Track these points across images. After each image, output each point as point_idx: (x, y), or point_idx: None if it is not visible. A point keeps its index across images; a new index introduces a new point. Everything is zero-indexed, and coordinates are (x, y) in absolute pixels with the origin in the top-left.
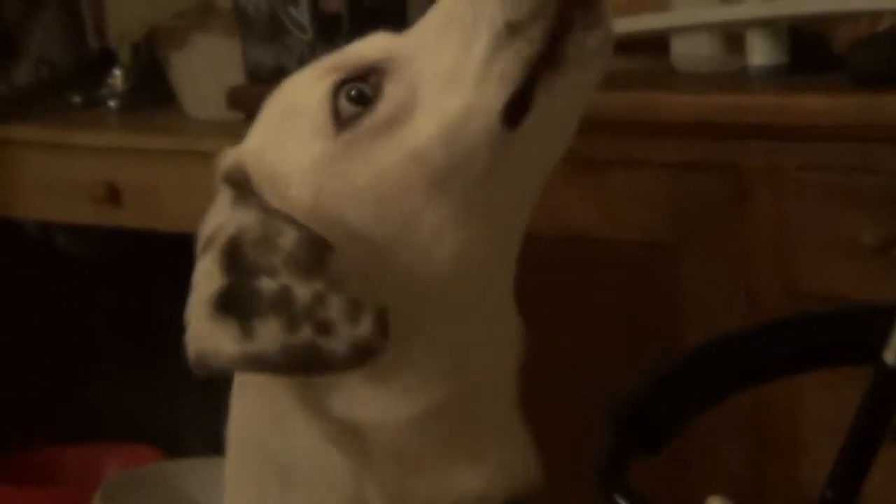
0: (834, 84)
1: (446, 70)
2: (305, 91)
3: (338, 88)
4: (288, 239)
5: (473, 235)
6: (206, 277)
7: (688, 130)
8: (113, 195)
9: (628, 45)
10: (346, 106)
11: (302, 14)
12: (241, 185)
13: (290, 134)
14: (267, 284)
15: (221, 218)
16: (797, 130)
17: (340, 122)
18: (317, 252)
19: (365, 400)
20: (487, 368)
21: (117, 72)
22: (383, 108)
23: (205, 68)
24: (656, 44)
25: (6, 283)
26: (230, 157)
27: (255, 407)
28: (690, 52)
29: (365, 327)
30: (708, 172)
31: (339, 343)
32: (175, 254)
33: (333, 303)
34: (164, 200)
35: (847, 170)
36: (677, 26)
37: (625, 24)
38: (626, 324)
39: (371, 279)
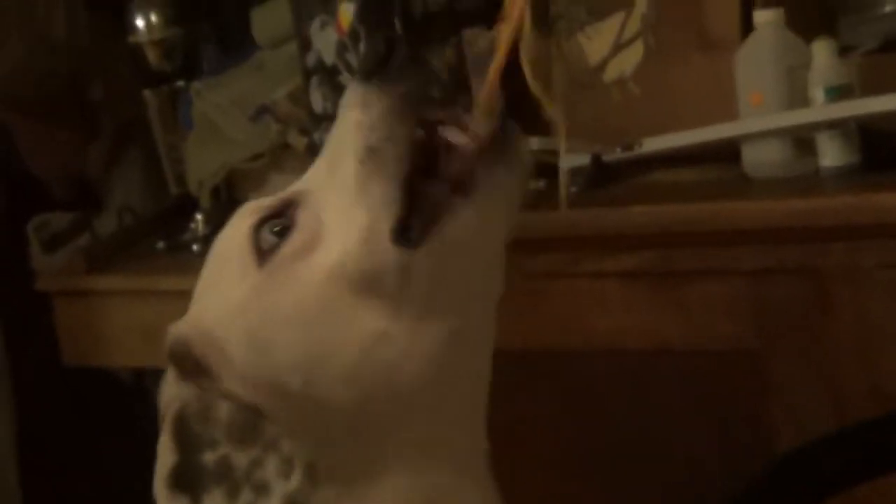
0: None
1: (338, 196)
2: (231, 237)
3: (258, 226)
4: (223, 411)
5: (413, 336)
6: (163, 453)
7: (765, 236)
8: None
9: (697, 157)
10: (266, 238)
11: None
12: (183, 360)
13: (221, 282)
14: (209, 457)
15: (171, 392)
16: (875, 229)
17: (262, 255)
18: (250, 419)
19: None
20: (453, 485)
21: (199, 216)
22: (297, 235)
23: None
24: (726, 152)
25: (102, 430)
26: (173, 332)
27: None
28: (762, 158)
29: (294, 482)
30: (788, 277)
31: (273, 500)
32: None
33: (269, 464)
34: None
35: None
36: (748, 134)
37: (695, 135)
38: (715, 433)
39: (314, 417)
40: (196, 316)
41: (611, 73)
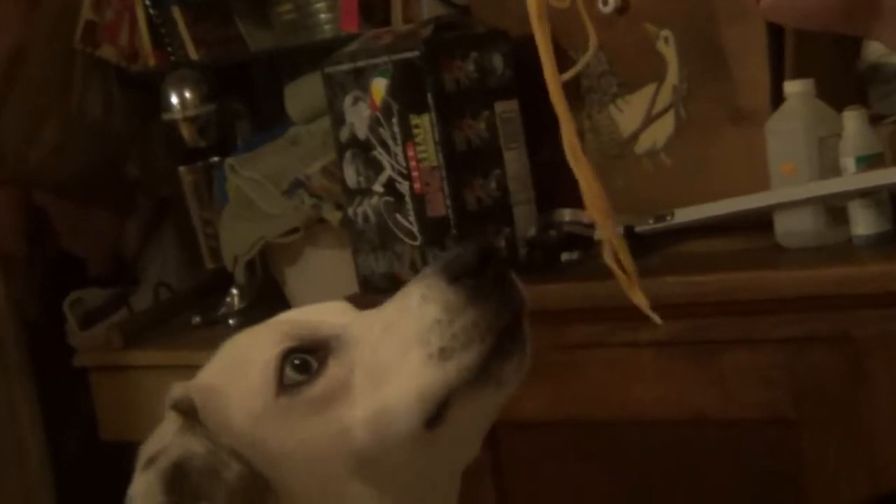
0: None
1: (380, 367)
2: (259, 348)
3: (287, 355)
4: (232, 473)
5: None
6: (147, 495)
7: (799, 305)
8: None
9: (730, 227)
10: (290, 374)
11: (410, 221)
12: (189, 415)
13: (237, 383)
14: None
15: (166, 441)
16: None
17: (282, 386)
18: (257, 489)
19: None
20: None
21: (234, 290)
22: (322, 384)
23: (318, 281)
24: (758, 222)
25: None
26: (180, 388)
27: None
28: (794, 227)
29: None
30: (822, 345)
31: None
32: None
33: None
34: None
35: None
36: (780, 203)
37: (727, 206)
38: (749, 502)
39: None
40: (205, 386)
41: (642, 145)
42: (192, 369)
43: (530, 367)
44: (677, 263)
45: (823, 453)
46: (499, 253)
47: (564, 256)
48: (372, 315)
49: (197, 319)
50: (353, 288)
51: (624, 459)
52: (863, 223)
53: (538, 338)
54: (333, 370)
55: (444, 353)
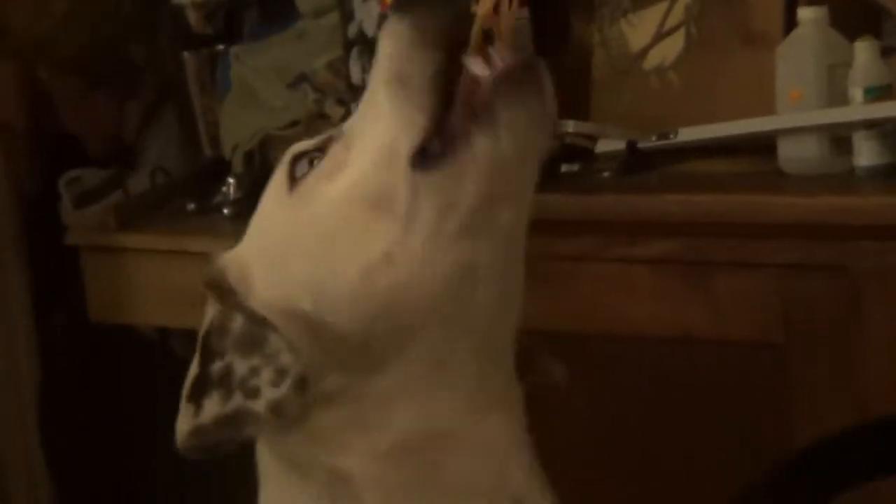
0: None
1: (364, 124)
2: (276, 175)
3: (298, 158)
4: (237, 323)
5: (418, 263)
6: (191, 369)
7: (797, 232)
8: None
9: (733, 149)
10: (301, 168)
11: None
12: (219, 287)
13: (261, 214)
14: (216, 366)
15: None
16: None
17: (294, 182)
18: (259, 330)
19: (348, 443)
20: (463, 420)
21: (231, 180)
22: (326, 161)
23: None
24: (762, 147)
25: (126, 388)
26: (216, 262)
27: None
28: (798, 154)
29: (282, 391)
30: (818, 274)
31: (260, 405)
32: None
33: (264, 373)
34: None
35: None
36: (785, 129)
37: (732, 128)
38: (736, 424)
39: (321, 338)
40: (237, 253)
41: (651, 62)
42: (184, 255)
43: None
44: (677, 182)
45: (811, 380)
46: None
47: (564, 168)
48: (361, 101)
49: (192, 206)
50: None
51: (612, 374)
52: (866, 154)
53: (532, 248)
54: (334, 150)
55: (398, 79)
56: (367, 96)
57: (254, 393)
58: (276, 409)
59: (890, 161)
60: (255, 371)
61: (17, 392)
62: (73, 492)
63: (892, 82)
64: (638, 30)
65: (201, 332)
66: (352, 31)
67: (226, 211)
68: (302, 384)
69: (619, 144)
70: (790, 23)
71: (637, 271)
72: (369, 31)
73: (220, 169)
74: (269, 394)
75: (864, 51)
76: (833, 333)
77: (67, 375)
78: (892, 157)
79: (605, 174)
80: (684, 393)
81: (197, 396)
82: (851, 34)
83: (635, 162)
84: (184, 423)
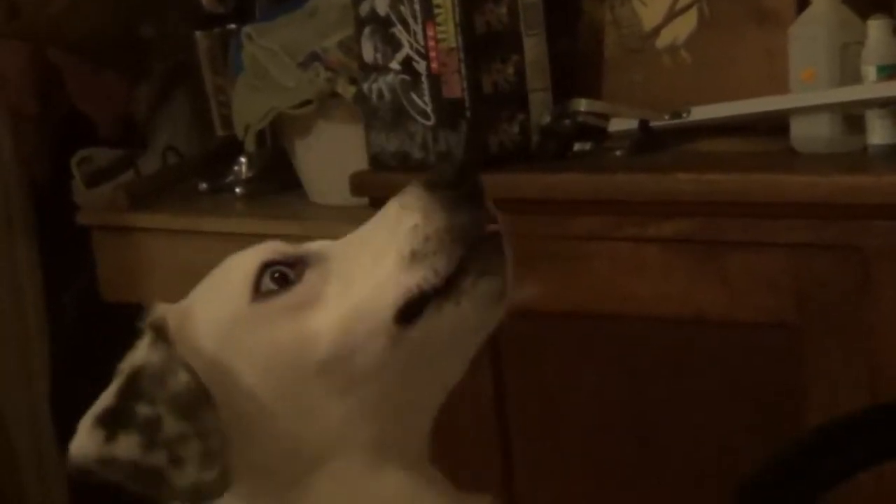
0: None
1: (354, 272)
2: (241, 265)
3: (266, 266)
4: (179, 380)
5: (354, 417)
6: (103, 397)
7: (809, 211)
8: None
9: (745, 128)
10: (267, 282)
11: (425, 101)
12: (160, 332)
13: (214, 294)
14: (143, 409)
15: (138, 355)
16: None
17: (258, 294)
18: (198, 399)
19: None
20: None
21: (243, 159)
22: (297, 290)
23: (329, 155)
24: (774, 126)
25: None
26: (158, 310)
27: None
28: (810, 133)
29: (210, 476)
30: (830, 253)
31: (183, 479)
32: None
33: (192, 446)
34: None
35: None
36: (797, 108)
37: (744, 107)
38: (748, 404)
39: (250, 431)
40: (182, 308)
41: (663, 40)
42: (195, 234)
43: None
44: (689, 161)
45: (824, 360)
46: (477, 170)
47: (577, 146)
48: (353, 234)
49: (203, 186)
50: (363, 164)
51: (624, 354)
52: (879, 133)
53: (544, 227)
54: (309, 278)
55: (416, 256)
56: (363, 241)
57: (179, 462)
58: (197, 491)
59: None
60: (184, 439)
61: (29, 371)
62: None
63: None
64: (650, 8)
65: (130, 365)
66: (364, 9)
67: (237, 190)
68: (226, 479)
69: (631, 123)
70: (803, 1)
71: (649, 251)
72: (381, 9)
73: (232, 149)
74: (194, 473)
75: (877, 29)
76: (845, 313)
77: (78, 355)
78: None
79: (617, 153)
80: (696, 373)
81: (111, 425)
82: (864, 12)
83: (647, 141)
84: (90, 445)
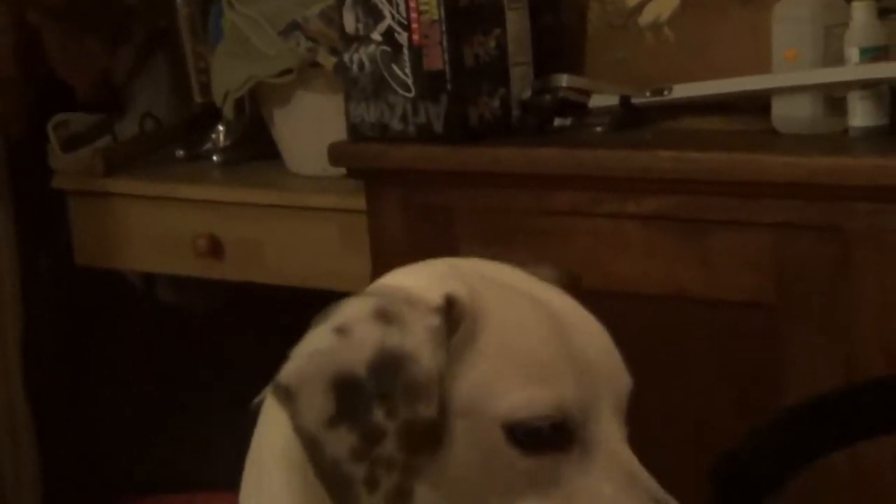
0: None
1: None
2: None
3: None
4: (428, 409)
5: None
6: (354, 345)
7: (790, 192)
8: (215, 248)
9: (727, 107)
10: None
11: (406, 72)
12: (450, 321)
13: (502, 359)
14: (378, 415)
15: (410, 334)
16: None
17: (515, 436)
18: (430, 439)
19: None
20: None
21: (221, 127)
22: (540, 462)
23: (307, 125)
24: (756, 105)
25: (110, 334)
26: (463, 291)
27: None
28: (792, 113)
29: None
30: (810, 234)
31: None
32: (276, 307)
33: (392, 478)
34: (266, 254)
35: None
36: (779, 88)
37: (726, 85)
38: (726, 382)
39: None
40: (481, 306)
41: (646, 17)
42: (171, 201)
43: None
44: (671, 138)
45: (803, 340)
46: None
47: (557, 122)
48: (628, 460)
49: (181, 153)
50: (342, 134)
51: None
52: (860, 115)
53: (523, 202)
54: (556, 462)
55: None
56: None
57: (373, 485)
58: None
59: (884, 122)
60: (391, 466)
61: (2, 334)
62: (55, 433)
63: (888, 43)
64: None
65: (396, 344)
66: None
67: (215, 158)
68: None
69: (612, 100)
70: None
71: (629, 228)
72: None
73: (210, 116)
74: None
75: (860, 11)
76: (824, 294)
77: (52, 319)
78: (886, 118)
79: (598, 129)
80: (676, 351)
81: (342, 411)
82: None
83: (628, 117)
84: (313, 412)
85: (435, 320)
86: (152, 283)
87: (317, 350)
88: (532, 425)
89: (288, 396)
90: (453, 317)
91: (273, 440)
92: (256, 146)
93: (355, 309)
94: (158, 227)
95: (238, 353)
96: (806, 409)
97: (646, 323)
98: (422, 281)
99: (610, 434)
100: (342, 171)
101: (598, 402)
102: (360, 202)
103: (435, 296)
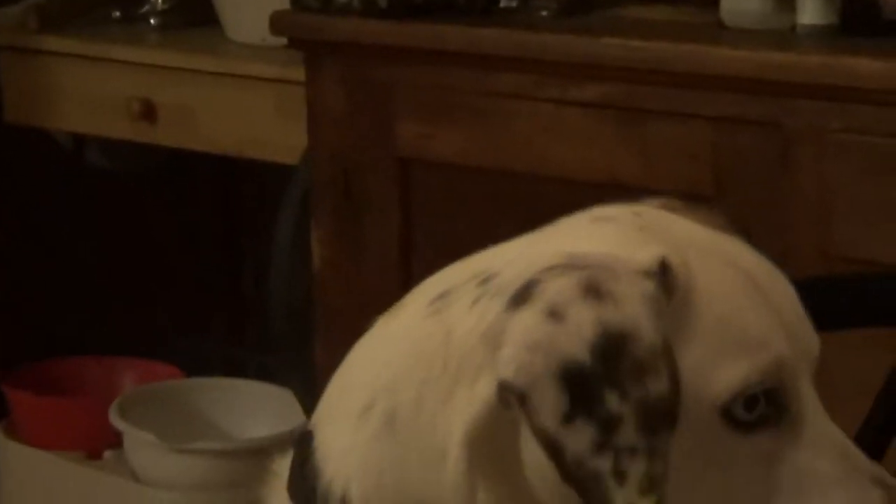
0: (883, 48)
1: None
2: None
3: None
4: (660, 386)
5: None
6: (572, 329)
7: (734, 85)
8: (149, 112)
9: None
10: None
11: None
12: (662, 296)
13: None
14: (612, 401)
15: (625, 306)
16: (844, 92)
17: (732, 414)
18: (667, 416)
19: None
20: None
21: None
22: (756, 443)
23: None
24: None
25: (37, 195)
26: (675, 256)
27: (421, 364)
28: (740, 7)
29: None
30: (752, 129)
31: (619, 498)
32: (208, 173)
33: (639, 465)
34: (200, 120)
35: (891, 135)
36: None
37: None
38: None
39: None
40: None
41: None
42: (105, 62)
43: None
44: (617, 26)
45: (737, 234)
46: None
47: (503, 2)
48: (835, 432)
49: (117, 14)
50: (284, 3)
51: (539, 214)
52: (809, 12)
53: (465, 81)
54: (770, 438)
55: None
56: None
57: (621, 477)
58: None
59: (833, 21)
60: (633, 453)
61: None
62: None
63: None
64: None
65: (616, 319)
66: None
67: (152, 21)
68: None
69: None
70: None
71: (570, 114)
72: None
73: None
74: (633, 495)
75: None
76: (762, 189)
77: None
78: (835, 16)
79: (544, 13)
80: None
81: (577, 401)
82: None
83: (576, 3)
84: (549, 413)
85: (650, 287)
86: (81, 144)
87: (536, 342)
88: (748, 394)
89: (522, 400)
90: (667, 284)
91: (446, 413)
92: (195, 11)
93: (560, 287)
94: (92, 88)
95: (164, 218)
96: None
97: (581, 209)
98: (617, 244)
99: (813, 403)
100: (283, 41)
101: (800, 367)
102: (299, 73)
103: (644, 259)
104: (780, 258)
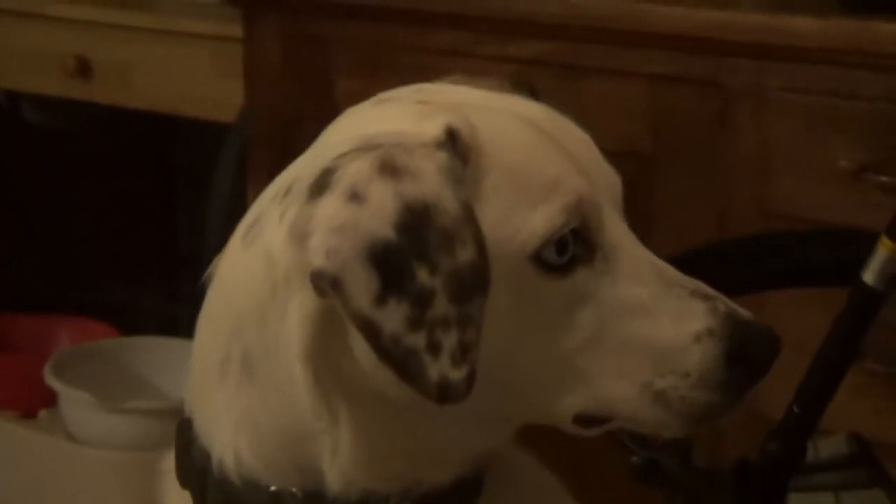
0: (823, 7)
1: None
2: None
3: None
4: (467, 253)
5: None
6: (374, 209)
7: (673, 44)
8: (84, 69)
9: None
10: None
11: None
12: (457, 153)
13: (519, 182)
14: (423, 275)
15: (423, 180)
16: (783, 51)
17: (537, 253)
18: (477, 283)
19: (369, 383)
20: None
21: None
22: (570, 282)
23: None
24: None
25: None
26: (461, 122)
27: (254, 296)
28: None
29: (459, 375)
30: (690, 87)
31: (433, 371)
32: (143, 131)
33: (452, 335)
34: (136, 77)
35: (830, 94)
36: None
37: None
38: None
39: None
40: (476, 129)
41: None
42: (40, 18)
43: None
44: None
45: (675, 192)
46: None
47: None
48: (648, 257)
49: None
50: None
51: None
52: None
53: (403, 38)
54: (586, 276)
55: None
56: (650, 278)
57: (436, 350)
58: (442, 390)
59: None
60: (446, 324)
61: None
62: None
63: None
64: None
65: (415, 191)
66: None
67: None
68: (470, 380)
69: None
70: None
71: (508, 70)
72: None
73: None
74: (446, 366)
75: None
76: (701, 147)
77: None
78: None
79: None
80: None
81: (385, 277)
82: None
83: None
84: (361, 293)
85: (443, 157)
86: (17, 101)
87: (341, 225)
88: (556, 238)
89: (335, 285)
90: (458, 151)
91: (284, 333)
92: None
93: (356, 169)
94: (26, 45)
95: (100, 175)
96: (682, 261)
97: None
98: (402, 120)
99: (623, 235)
100: None
101: (604, 204)
102: (236, 30)
103: (432, 130)
104: (719, 215)
